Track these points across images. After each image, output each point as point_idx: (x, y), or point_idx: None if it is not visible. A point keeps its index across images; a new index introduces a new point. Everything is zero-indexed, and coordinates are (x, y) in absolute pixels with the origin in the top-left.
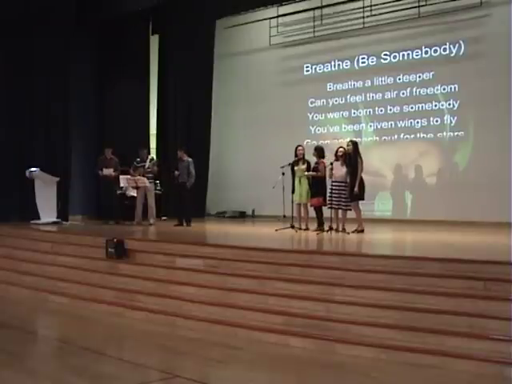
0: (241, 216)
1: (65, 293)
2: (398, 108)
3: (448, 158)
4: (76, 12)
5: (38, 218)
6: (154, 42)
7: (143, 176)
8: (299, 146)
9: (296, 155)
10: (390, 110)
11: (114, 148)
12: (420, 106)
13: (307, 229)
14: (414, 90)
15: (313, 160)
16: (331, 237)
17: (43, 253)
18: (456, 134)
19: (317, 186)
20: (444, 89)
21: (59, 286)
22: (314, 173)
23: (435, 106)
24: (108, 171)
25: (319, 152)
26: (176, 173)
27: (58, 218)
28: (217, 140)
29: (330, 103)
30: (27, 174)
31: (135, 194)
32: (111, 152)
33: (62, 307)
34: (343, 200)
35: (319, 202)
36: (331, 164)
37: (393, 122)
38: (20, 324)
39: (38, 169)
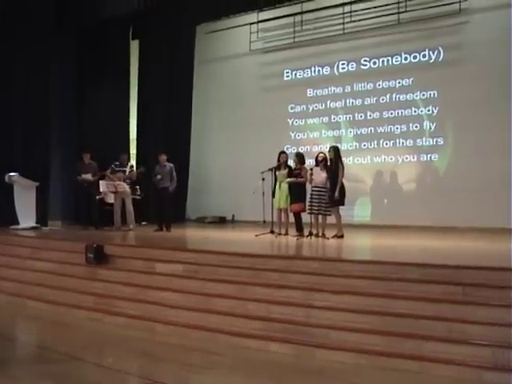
0: (221, 221)
1: (44, 298)
2: (378, 114)
3: (427, 163)
4: (56, 17)
5: (17, 223)
6: (135, 47)
7: (124, 181)
8: (283, 152)
9: (279, 160)
10: (370, 115)
11: (92, 153)
12: (399, 111)
13: (287, 234)
14: (394, 96)
15: (293, 166)
16: (311, 242)
17: (22, 258)
18: (435, 139)
19: (298, 191)
20: (423, 95)
21: (38, 291)
22: (295, 179)
23: (414, 111)
24: (86, 176)
25: (300, 158)
26: (158, 177)
27: (37, 223)
28: (197, 145)
29: (310, 109)
30: (6, 178)
31: (113, 200)
32: (90, 157)
33: (42, 313)
34: (323, 205)
35: (301, 208)
36: (311, 169)
37: (372, 128)
38: None
39: (17, 173)
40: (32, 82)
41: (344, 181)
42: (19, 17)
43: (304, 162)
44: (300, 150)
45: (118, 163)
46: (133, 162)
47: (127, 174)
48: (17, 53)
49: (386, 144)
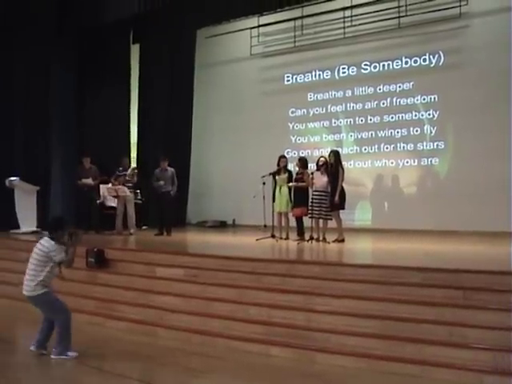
0: (222, 225)
1: None
2: (378, 118)
3: (428, 167)
4: (57, 18)
5: (18, 228)
6: (135, 50)
7: (123, 185)
8: (283, 157)
9: (278, 165)
10: (371, 119)
11: (92, 157)
12: (400, 115)
13: (287, 238)
14: (394, 100)
15: (294, 170)
16: (312, 246)
17: (23, 262)
18: (436, 143)
19: (300, 196)
20: (424, 99)
21: None
22: (296, 183)
23: (415, 115)
24: (87, 181)
25: (303, 162)
26: (161, 182)
27: (37, 227)
28: (198, 149)
29: (311, 113)
30: (7, 183)
31: (114, 204)
32: (90, 161)
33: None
34: (324, 209)
35: (302, 212)
36: (312, 174)
37: (373, 132)
38: None
39: (18, 178)
40: (32, 82)
41: (344, 185)
42: (20, 17)
43: (307, 167)
44: (301, 154)
45: (121, 168)
46: (134, 165)
47: (127, 176)
48: (17, 53)
49: (387, 148)
